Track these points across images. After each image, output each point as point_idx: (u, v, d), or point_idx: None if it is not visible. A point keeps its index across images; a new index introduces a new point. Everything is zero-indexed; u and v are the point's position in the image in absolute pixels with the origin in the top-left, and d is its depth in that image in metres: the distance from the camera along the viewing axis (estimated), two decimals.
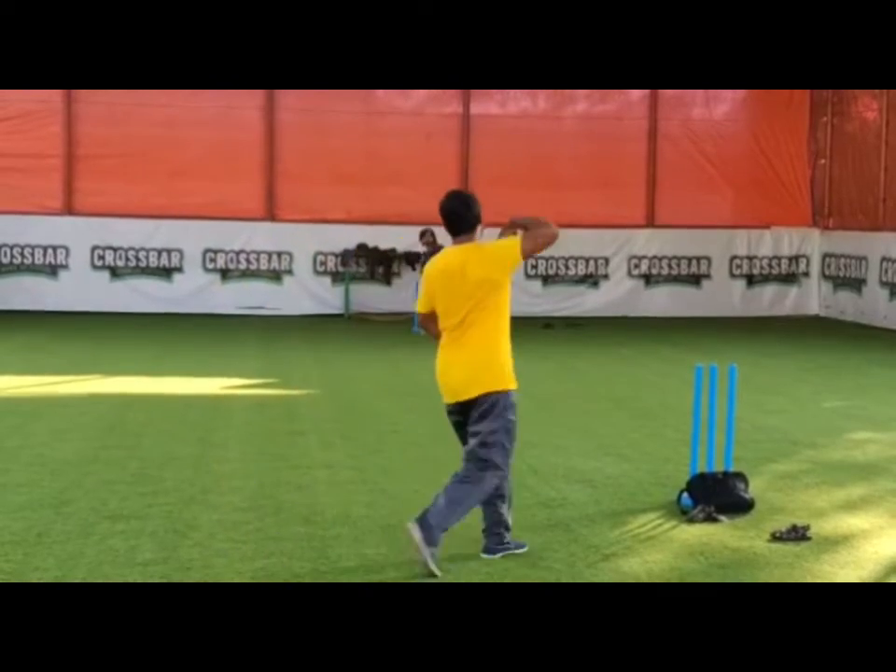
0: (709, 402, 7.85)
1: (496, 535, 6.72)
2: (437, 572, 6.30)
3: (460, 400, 6.63)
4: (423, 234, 18.36)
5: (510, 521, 6.80)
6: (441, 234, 7.34)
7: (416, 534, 6.33)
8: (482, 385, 6.54)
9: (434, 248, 18.13)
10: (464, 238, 6.64)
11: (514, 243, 6.53)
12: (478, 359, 6.56)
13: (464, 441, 6.75)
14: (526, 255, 6.57)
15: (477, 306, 6.51)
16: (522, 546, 6.80)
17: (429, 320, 6.81)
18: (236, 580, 6.16)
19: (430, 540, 6.33)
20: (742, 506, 7.73)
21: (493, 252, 6.55)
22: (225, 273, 20.76)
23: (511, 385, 6.63)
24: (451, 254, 6.67)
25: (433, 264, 6.77)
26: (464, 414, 6.66)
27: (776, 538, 7.10)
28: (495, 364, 6.59)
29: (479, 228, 6.69)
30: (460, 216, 6.64)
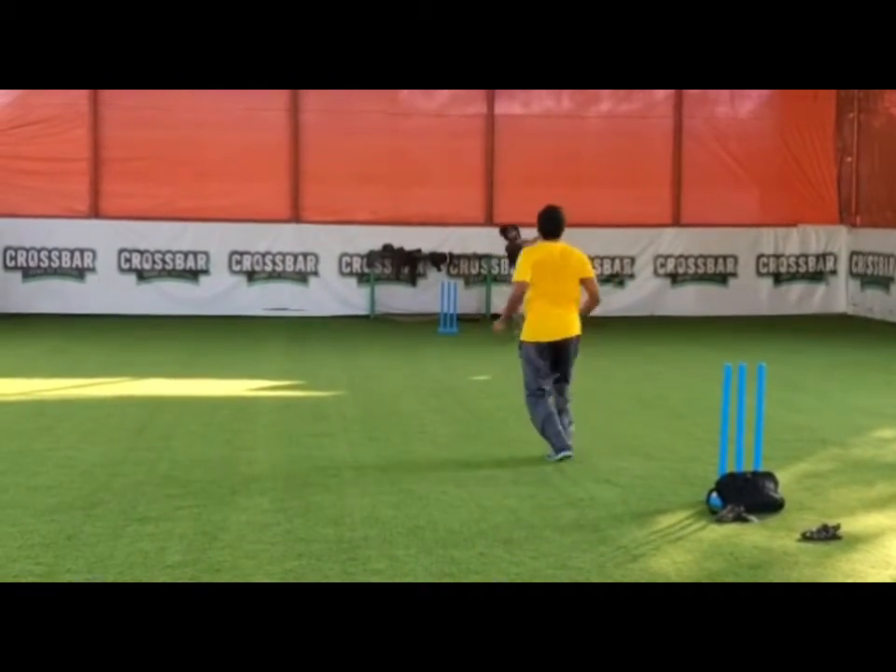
0: (738, 401, 7.82)
1: None
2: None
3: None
4: (509, 229, 18.31)
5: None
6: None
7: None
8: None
9: (516, 244, 17.97)
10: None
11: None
12: None
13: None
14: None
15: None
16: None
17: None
18: (266, 582, 6.16)
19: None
20: (772, 505, 7.70)
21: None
22: (251, 275, 20.80)
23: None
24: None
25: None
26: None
27: (806, 537, 7.06)
28: None
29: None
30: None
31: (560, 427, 9.29)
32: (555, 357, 9.49)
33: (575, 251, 9.67)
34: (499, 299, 20.70)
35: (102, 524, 7.25)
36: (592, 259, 20.29)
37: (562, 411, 9.48)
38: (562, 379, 9.55)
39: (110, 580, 6.17)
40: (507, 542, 6.90)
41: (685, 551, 6.84)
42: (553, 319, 9.44)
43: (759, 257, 21.93)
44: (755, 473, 7.85)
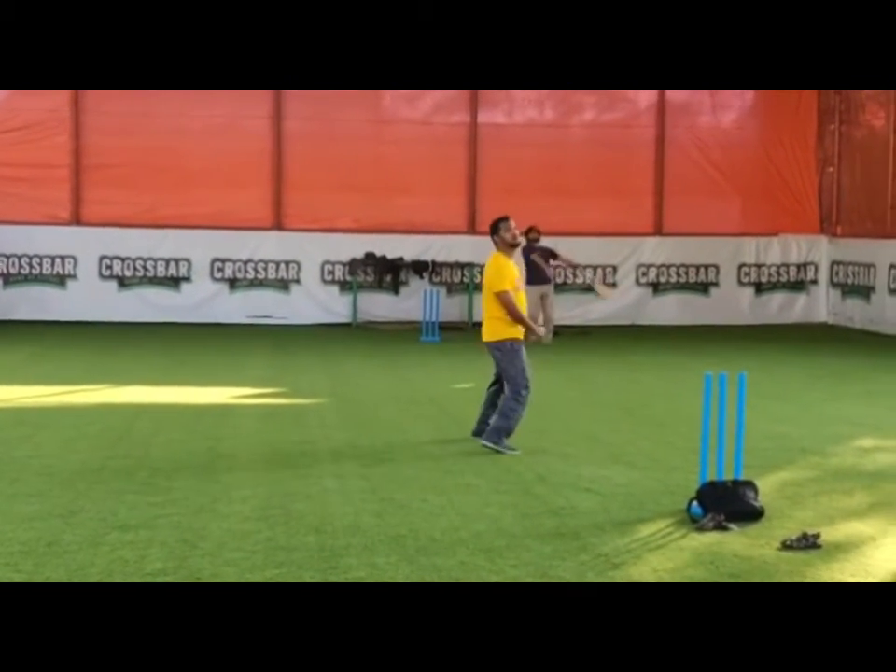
0: (719, 410, 7.84)
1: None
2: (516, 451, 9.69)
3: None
4: (528, 231, 17.99)
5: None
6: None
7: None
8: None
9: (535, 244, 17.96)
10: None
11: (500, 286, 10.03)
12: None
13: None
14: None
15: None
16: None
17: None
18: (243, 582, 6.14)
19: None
20: (752, 514, 7.71)
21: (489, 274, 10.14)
22: (233, 283, 20.78)
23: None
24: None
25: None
26: None
27: (786, 546, 7.07)
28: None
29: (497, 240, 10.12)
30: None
31: (480, 415, 10.27)
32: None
33: (492, 264, 10.08)
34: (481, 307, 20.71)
35: (82, 531, 7.22)
36: (574, 267, 20.87)
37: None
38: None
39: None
40: (487, 551, 6.90)
41: (666, 559, 6.84)
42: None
43: (740, 266, 22.01)
44: (735, 482, 7.86)
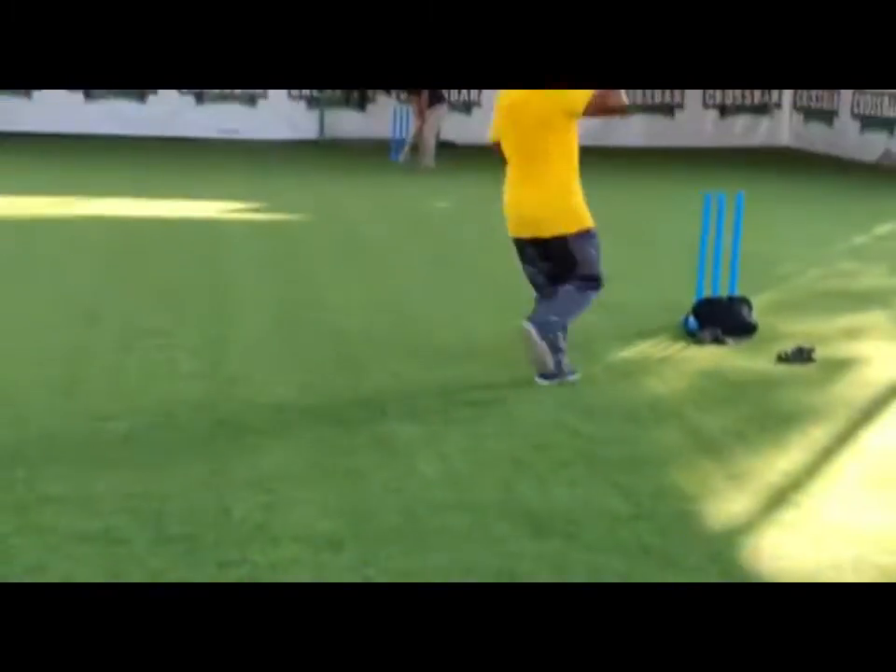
0: (716, 230, 8.09)
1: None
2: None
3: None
4: None
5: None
6: None
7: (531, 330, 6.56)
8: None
9: None
10: None
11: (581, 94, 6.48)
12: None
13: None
14: (587, 109, 6.59)
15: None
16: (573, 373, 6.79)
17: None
18: (280, 392, 6.38)
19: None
20: (746, 329, 7.95)
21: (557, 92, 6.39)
22: (199, 96, 20.57)
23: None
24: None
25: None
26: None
27: (781, 359, 7.31)
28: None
29: None
30: None
31: None
32: None
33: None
34: (448, 124, 20.71)
35: (110, 337, 7.42)
36: None
37: None
38: None
39: (130, 390, 6.36)
40: (502, 356, 7.12)
41: (671, 369, 7.10)
42: None
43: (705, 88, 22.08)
44: (731, 298, 8.14)
